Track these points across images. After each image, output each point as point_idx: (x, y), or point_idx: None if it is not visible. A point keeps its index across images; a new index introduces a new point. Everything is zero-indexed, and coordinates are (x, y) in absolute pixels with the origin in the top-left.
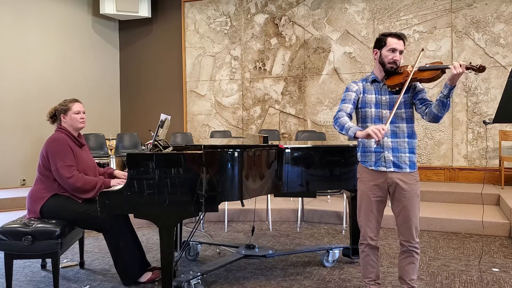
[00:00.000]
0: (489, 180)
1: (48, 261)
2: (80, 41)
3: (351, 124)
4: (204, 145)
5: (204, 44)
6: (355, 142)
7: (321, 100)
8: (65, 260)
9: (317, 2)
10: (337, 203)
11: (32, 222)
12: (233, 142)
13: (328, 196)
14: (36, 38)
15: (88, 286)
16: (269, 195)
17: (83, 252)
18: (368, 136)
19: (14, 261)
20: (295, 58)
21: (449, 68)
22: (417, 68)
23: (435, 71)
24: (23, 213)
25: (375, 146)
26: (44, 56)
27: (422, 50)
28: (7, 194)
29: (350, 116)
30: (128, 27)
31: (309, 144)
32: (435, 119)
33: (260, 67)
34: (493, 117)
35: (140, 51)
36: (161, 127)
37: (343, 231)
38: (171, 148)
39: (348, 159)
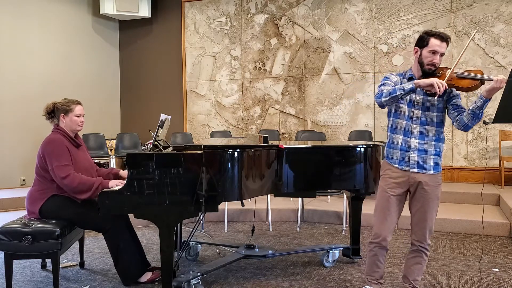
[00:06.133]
0: (489, 180)
1: (48, 261)
2: (80, 41)
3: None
4: (204, 145)
5: (204, 44)
6: (355, 142)
7: (321, 100)
8: (65, 260)
9: (317, 2)
10: (337, 203)
11: (32, 222)
12: (233, 142)
13: (328, 196)
14: (36, 38)
15: (88, 286)
16: (269, 195)
17: (83, 252)
18: (430, 86)
19: (14, 261)
20: (295, 58)
21: (490, 80)
22: (455, 74)
23: (475, 81)
24: (23, 213)
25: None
26: (44, 56)
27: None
28: (7, 194)
29: None
30: (128, 27)
31: (309, 144)
32: (465, 128)
33: (260, 67)
34: (493, 117)
35: (140, 51)
36: (161, 127)
37: (343, 231)
38: (171, 148)
39: (348, 159)
